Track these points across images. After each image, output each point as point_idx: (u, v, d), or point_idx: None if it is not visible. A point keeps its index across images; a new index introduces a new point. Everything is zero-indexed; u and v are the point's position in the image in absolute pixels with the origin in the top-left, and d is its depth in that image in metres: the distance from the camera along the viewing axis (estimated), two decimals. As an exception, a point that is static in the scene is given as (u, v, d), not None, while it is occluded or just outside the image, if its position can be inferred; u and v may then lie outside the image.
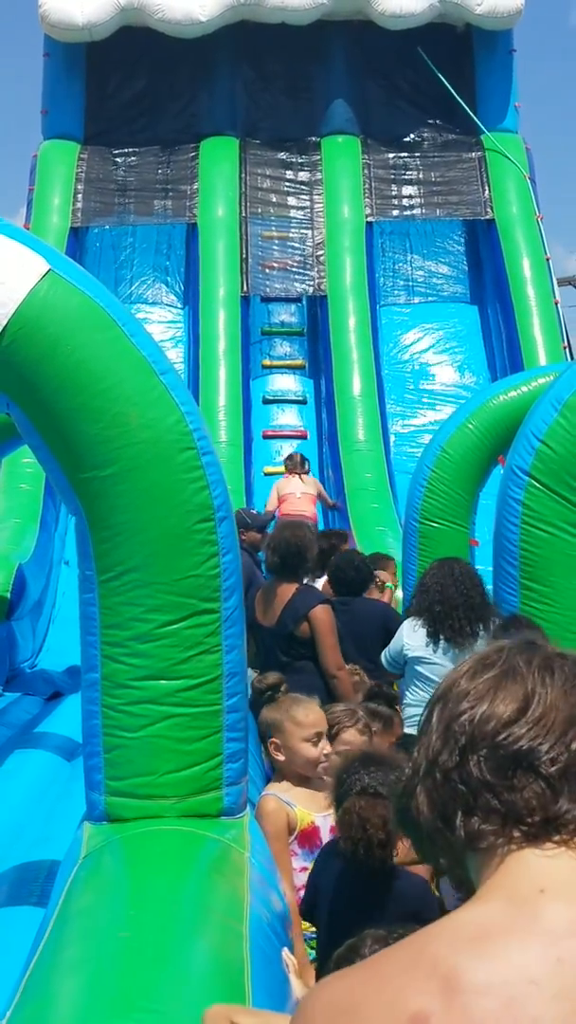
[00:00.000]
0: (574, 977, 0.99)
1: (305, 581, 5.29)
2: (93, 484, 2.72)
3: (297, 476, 10.18)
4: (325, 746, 3.29)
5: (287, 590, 5.09)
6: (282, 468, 10.91)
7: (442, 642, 4.66)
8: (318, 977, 2.45)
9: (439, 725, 1.17)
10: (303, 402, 11.93)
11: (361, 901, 2.59)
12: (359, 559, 6.13)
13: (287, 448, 11.22)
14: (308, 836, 3.20)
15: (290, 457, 10.49)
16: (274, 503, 10.11)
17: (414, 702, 4.61)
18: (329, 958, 2.32)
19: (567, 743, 1.11)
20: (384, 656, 4.96)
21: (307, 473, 10.27)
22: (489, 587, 5.67)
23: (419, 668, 4.70)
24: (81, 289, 2.74)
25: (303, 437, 11.48)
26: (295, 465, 10.25)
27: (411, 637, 4.75)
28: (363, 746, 3.56)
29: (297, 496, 10.02)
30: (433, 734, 1.17)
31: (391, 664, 4.90)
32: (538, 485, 5.12)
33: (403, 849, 2.71)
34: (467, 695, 1.17)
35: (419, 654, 4.71)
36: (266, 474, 11.11)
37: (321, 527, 10.26)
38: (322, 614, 5.01)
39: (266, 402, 11.79)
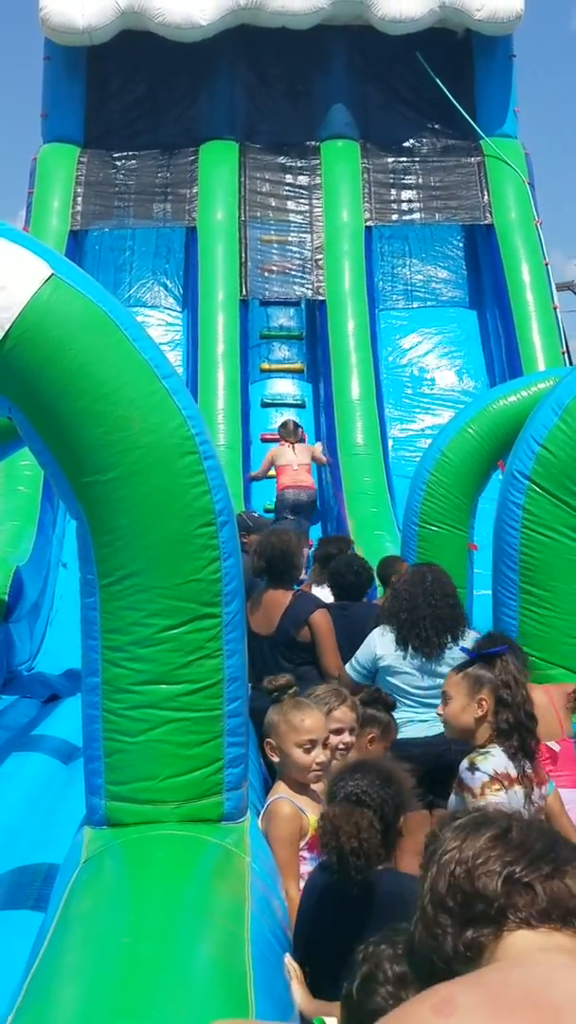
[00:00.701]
0: None
1: (312, 587, 5.28)
2: (95, 488, 2.72)
3: (291, 445, 10.37)
4: (319, 754, 3.24)
5: (283, 597, 5.10)
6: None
7: (410, 650, 4.60)
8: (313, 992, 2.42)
9: (433, 867, 1.35)
10: (301, 406, 11.93)
11: (339, 915, 2.55)
12: (359, 563, 6.13)
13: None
14: (317, 842, 3.16)
15: (283, 425, 10.66)
16: (265, 468, 10.37)
17: None
18: (320, 980, 2.31)
19: (544, 863, 1.30)
20: (352, 665, 4.74)
21: (301, 441, 10.45)
22: (488, 592, 5.67)
23: (391, 679, 4.58)
24: (84, 293, 2.74)
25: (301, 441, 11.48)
26: (288, 433, 10.43)
27: (382, 645, 4.65)
28: (354, 723, 3.62)
29: (294, 468, 10.23)
30: (428, 878, 1.35)
31: (361, 674, 4.69)
32: (538, 489, 5.12)
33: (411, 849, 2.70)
34: (452, 840, 1.36)
35: (390, 663, 4.60)
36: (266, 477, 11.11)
37: (319, 500, 10.51)
38: (321, 618, 5.04)
39: (264, 406, 11.78)
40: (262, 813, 3.24)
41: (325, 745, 3.28)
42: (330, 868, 2.65)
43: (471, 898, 1.29)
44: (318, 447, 10.71)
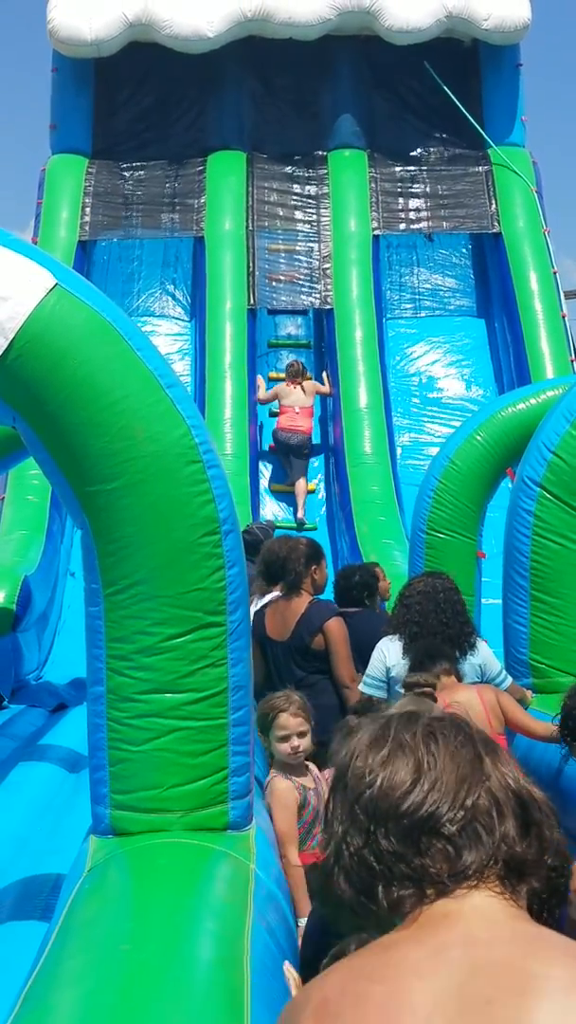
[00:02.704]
0: (457, 975, 1.12)
1: (254, 598, 5.29)
2: (99, 497, 2.72)
3: (298, 386, 10.90)
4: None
5: (300, 604, 5.11)
6: (286, 487, 11.02)
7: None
8: None
9: (343, 809, 1.27)
10: (309, 415, 11.93)
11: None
12: (361, 570, 6.12)
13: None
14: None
15: (290, 365, 11.21)
16: (268, 398, 10.99)
17: None
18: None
19: (462, 801, 1.23)
20: (366, 682, 4.67)
21: (307, 380, 11.00)
22: (496, 601, 5.64)
23: (401, 690, 4.54)
24: (88, 303, 2.75)
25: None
26: (295, 374, 10.97)
27: (391, 655, 4.60)
28: (298, 728, 3.80)
29: (296, 411, 10.83)
30: (338, 818, 1.28)
31: (376, 687, 4.62)
32: (549, 496, 5.12)
33: None
34: (362, 775, 1.27)
35: (399, 673, 4.51)
36: (272, 491, 11.14)
37: (316, 438, 11.14)
38: (336, 627, 5.03)
39: (272, 415, 11.80)
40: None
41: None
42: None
43: (391, 856, 1.23)
44: (325, 384, 11.18)
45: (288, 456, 10.90)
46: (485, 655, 4.61)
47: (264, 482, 11.18)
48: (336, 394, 11.12)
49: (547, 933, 1.18)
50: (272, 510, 10.99)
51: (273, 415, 11.21)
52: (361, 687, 4.74)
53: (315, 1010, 1.14)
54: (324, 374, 11.41)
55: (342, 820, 1.27)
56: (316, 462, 11.40)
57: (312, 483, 11.13)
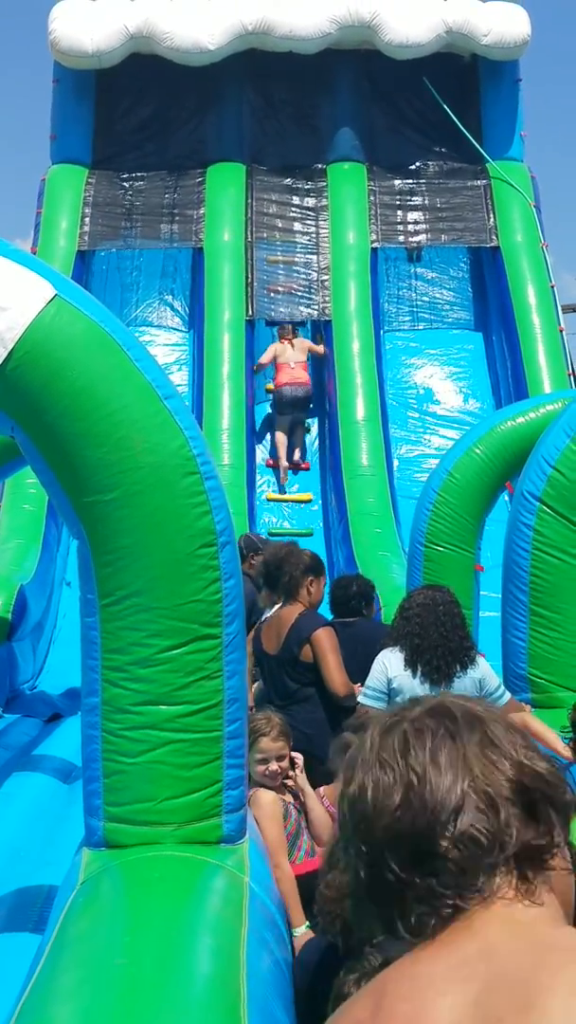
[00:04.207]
0: (474, 989, 1.12)
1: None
2: (96, 508, 2.72)
3: (289, 343, 11.36)
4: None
5: (291, 614, 5.07)
6: (284, 496, 11.05)
7: (419, 674, 4.56)
8: None
9: (347, 836, 1.26)
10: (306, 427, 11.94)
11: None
12: (355, 580, 6.09)
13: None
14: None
15: (281, 327, 11.58)
16: (267, 360, 11.34)
17: None
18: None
19: (451, 811, 1.18)
20: (365, 693, 4.64)
21: (297, 336, 11.47)
22: (495, 614, 5.63)
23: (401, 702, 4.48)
24: (87, 314, 2.75)
25: (305, 468, 11.53)
26: (286, 332, 11.44)
27: (392, 666, 4.58)
28: (278, 752, 3.78)
29: (291, 366, 11.28)
30: (349, 845, 1.26)
31: (377, 698, 4.59)
32: (549, 511, 5.11)
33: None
34: (355, 800, 1.24)
35: (400, 684, 4.53)
36: (268, 499, 11.14)
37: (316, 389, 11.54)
38: (322, 636, 4.95)
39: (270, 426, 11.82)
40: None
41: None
42: (329, 938, 2.60)
43: (400, 884, 1.20)
44: (319, 346, 11.58)
45: (292, 412, 11.18)
46: (484, 670, 4.60)
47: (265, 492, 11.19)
48: (334, 405, 11.13)
49: (565, 935, 1.16)
50: (270, 521, 10.98)
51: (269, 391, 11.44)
52: (360, 699, 4.71)
53: None
54: (319, 337, 11.70)
55: (346, 849, 1.26)
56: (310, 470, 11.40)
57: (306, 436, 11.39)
